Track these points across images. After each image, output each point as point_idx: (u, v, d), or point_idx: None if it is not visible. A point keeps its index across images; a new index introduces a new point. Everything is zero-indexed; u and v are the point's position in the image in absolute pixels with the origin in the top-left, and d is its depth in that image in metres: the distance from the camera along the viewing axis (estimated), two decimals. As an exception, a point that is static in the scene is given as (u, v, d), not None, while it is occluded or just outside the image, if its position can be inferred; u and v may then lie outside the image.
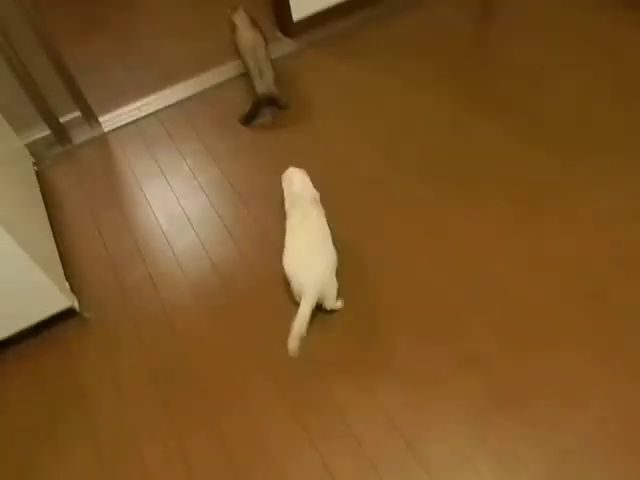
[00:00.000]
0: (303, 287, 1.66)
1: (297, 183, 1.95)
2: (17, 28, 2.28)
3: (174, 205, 2.27)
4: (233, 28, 2.55)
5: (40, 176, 2.48)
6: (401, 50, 2.78)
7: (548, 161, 2.13)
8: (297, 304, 1.65)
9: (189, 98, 2.74)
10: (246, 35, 2.47)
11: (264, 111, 2.57)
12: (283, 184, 2.00)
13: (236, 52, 2.58)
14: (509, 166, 2.15)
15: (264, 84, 2.45)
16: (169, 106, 2.71)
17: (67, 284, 1.92)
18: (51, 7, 3.42)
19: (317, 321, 1.73)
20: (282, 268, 1.76)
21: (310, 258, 1.72)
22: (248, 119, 2.53)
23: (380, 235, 2.00)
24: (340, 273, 1.80)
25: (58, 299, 1.82)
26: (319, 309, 1.74)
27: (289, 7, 2.81)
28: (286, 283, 1.80)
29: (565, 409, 1.50)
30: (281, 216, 2.00)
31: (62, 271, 1.97)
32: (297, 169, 2.01)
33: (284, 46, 2.92)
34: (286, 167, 2.03)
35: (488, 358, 1.64)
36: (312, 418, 1.60)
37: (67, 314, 1.90)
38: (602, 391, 1.52)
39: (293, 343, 1.57)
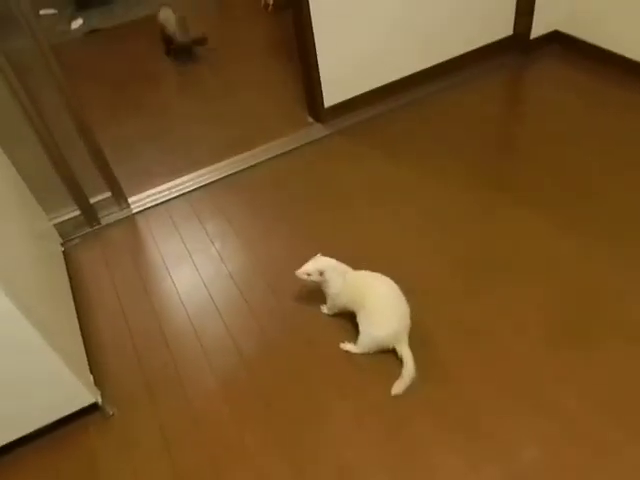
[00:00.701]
0: (400, 333, 1.78)
1: (338, 264, 1.92)
2: (50, 107, 2.30)
3: (201, 291, 2.21)
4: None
5: (67, 256, 2.44)
6: (430, 138, 2.80)
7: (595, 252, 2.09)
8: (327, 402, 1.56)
9: (218, 181, 2.74)
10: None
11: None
12: (327, 274, 1.89)
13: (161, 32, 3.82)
14: (553, 259, 2.10)
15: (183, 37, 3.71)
16: (198, 188, 2.71)
17: (91, 377, 1.84)
18: (84, 85, 3.53)
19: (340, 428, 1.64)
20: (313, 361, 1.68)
21: (396, 303, 1.81)
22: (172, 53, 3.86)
23: (421, 335, 1.92)
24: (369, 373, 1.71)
25: (82, 395, 1.73)
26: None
27: (321, 93, 2.85)
28: (317, 379, 1.78)
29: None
30: (309, 307, 2.03)
31: (86, 362, 1.90)
32: (320, 257, 1.93)
33: (314, 131, 2.94)
34: (314, 255, 1.96)
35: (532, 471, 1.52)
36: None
37: (89, 408, 1.80)
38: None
39: (403, 387, 1.72)
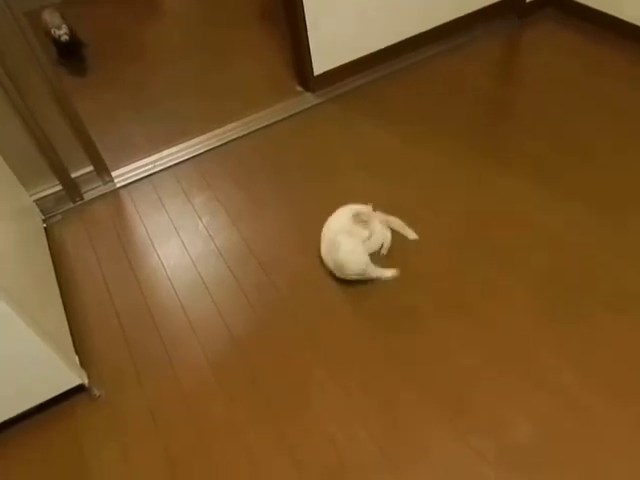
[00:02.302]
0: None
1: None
2: (30, 81, 2.19)
3: (189, 268, 2.15)
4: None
5: (49, 233, 2.37)
6: (423, 105, 2.72)
7: (598, 224, 2.05)
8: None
9: (205, 153, 2.65)
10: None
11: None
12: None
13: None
14: (542, 230, 2.06)
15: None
16: (184, 161, 2.62)
17: (77, 358, 1.79)
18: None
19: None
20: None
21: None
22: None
23: (408, 308, 1.89)
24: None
25: (67, 377, 1.68)
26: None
27: (310, 61, 2.75)
28: (306, 356, 1.80)
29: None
30: (299, 283, 2.00)
31: (71, 343, 1.84)
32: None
33: (304, 100, 2.85)
34: (308, 225, 1.98)
35: (533, 453, 1.50)
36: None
37: (75, 389, 1.76)
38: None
39: None
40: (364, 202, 2.14)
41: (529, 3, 3.11)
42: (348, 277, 1.94)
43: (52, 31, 3.28)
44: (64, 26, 3.31)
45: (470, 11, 3.05)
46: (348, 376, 1.73)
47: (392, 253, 2.04)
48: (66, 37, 3.31)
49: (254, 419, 1.67)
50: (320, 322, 1.89)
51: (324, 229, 2.02)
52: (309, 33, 2.64)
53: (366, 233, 1.96)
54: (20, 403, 1.68)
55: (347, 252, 1.90)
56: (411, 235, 2.09)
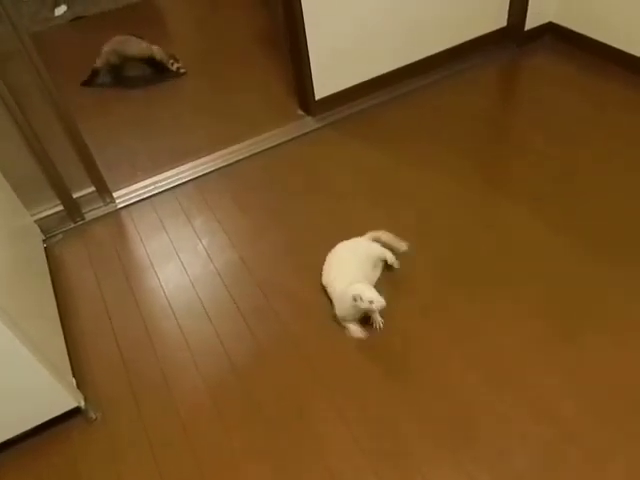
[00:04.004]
0: None
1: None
2: (33, 100, 2.22)
3: (189, 290, 2.15)
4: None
5: (49, 253, 2.37)
6: (422, 131, 2.75)
7: (593, 260, 2.04)
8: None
9: (206, 175, 2.67)
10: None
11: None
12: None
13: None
14: (540, 256, 2.07)
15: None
16: (185, 182, 2.64)
17: (74, 380, 1.78)
18: (67, 75, 3.43)
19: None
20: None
21: None
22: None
23: (407, 332, 1.89)
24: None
25: (64, 400, 1.67)
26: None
27: (312, 85, 2.78)
28: (306, 383, 1.78)
29: None
30: (298, 307, 2.00)
31: (69, 365, 1.83)
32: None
33: (305, 124, 2.88)
34: (307, 248, 2.01)
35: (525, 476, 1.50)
36: None
37: (72, 412, 1.75)
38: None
39: None
40: (363, 227, 2.17)
41: (528, 31, 3.16)
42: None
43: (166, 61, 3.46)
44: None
45: (469, 39, 3.10)
46: (347, 405, 1.72)
47: (394, 279, 2.06)
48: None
49: (253, 447, 1.66)
50: (319, 348, 1.88)
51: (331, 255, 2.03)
52: (310, 58, 2.68)
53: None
54: (15, 426, 1.67)
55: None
56: (402, 247, 2.10)
